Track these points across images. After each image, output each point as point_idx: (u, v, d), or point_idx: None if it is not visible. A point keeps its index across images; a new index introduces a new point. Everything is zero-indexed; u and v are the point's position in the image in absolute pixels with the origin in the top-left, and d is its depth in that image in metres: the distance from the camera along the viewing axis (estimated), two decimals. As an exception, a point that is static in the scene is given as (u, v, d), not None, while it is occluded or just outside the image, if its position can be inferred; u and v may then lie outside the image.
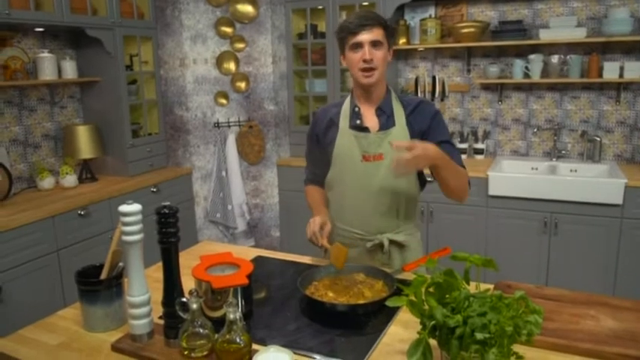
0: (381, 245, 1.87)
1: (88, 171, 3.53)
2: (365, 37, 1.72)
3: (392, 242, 1.87)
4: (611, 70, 3.40)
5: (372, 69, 1.74)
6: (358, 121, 1.83)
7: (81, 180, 3.47)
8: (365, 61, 1.72)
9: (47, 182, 3.29)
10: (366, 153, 1.81)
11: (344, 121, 1.86)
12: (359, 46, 1.73)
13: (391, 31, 1.80)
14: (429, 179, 1.93)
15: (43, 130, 3.46)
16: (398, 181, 1.82)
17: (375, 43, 1.73)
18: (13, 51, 3.19)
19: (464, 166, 1.85)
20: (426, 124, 1.82)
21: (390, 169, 1.59)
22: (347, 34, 1.75)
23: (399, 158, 1.54)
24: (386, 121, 1.82)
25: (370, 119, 1.83)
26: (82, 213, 3.07)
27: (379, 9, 3.68)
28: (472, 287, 1.18)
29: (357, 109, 1.85)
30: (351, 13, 1.81)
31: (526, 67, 3.63)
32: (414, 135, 1.81)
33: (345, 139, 1.84)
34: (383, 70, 1.77)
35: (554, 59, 3.57)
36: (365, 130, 1.82)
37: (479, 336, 1.01)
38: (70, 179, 3.34)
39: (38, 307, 2.60)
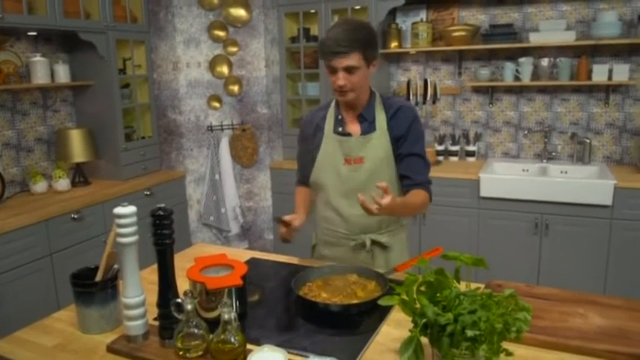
0: (363, 245, 1.92)
1: (81, 175, 3.53)
2: (339, 64, 1.73)
3: (374, 242, 1.93)
4: (600, 73, 3.44)
5: (346, 92, 1.78)
6: (341, 128, 1.90)
7: (74, 184, 3.47)
8: (339, 86, 1.76)
9: (40, 186, 3.28)
10: (348, 156, 1.88)
11: (329, 126, 1.93)
12: (334, 70, 1.75)
13: (372, 48, 1.78)
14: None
15: (35, 133, 3.46)
16: (379, 183, 1.86)
17: (349, 69, 1.73)
18: (6, 55, 3.19)
19: (428, 187, 1.89)
20: (403, 129, 1.87)
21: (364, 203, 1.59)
22: (321, 56, 1.78)
23: (368, 207, 1.56)
24: (367, 127, 1.88)
25: (352, 125, 1.90)
26: (76, 217, 3.07)
27: (371, 13, 3.71)
28: (462, 286, 1.20)
29: (340, 117, 1.91)
30: (333, 28, 1.77)
31: (516, 70, 3.67)
32: (392, 140, 1.87)
33: (329, 143, 1.91)
34: (361, 89, 1.81)
35: (544, 62, 3.61)
36: (347, 135, 1.89)
37: (469, 333, 1.03)
38: (63, 183, 3.34)
39: (32, 310, 2.59)
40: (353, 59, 1.72)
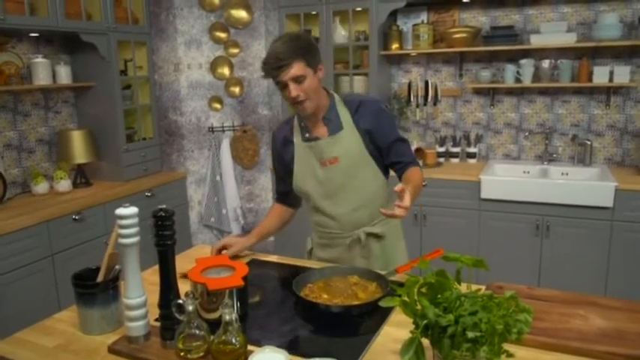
0: (358, 240, 1.94)
1: (82, 176, 3.53)
2: (284, 77, 1.74)
3: (369, 235, 1.95)
4: (601, 75, 3.44)
5: (302, 101, 1.79)
6: (307, 134, 1.93)
7: (75, 185, 3.48)
8: (293, 98, 1.77)
9: (41, 187, 3.29)
10: (322, 159, 1.89)
11: (297, 137, 1.96)
12: (283, 85, 1.77)
13: (312, 54, 1.79)
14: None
15: (37, 135, 3.47)
16: (359, 178, 1.91)
17: (296, 79, 1.75)
18: (8, 56, 3.20)
19: (417, 162, 1.94)
20: (370, 122, 1.88)
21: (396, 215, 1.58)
22: (267, 75, 1.79)
23: (394, 214, 1.56)
24: (334, 127, 1.90)
25: (319, 129, 1.92)
26: (77, 218, 3.08)
27: (372, 14, 3.72)
28: (463, 288, 1.20)
29: (303, 124, 1.94)
30: (270, 47, 1.80)
31: (517, 72, 3.67)
32: (362, 134, 1.88)
33: (301, 151, 1.95)
34: (315, 95, 1.82)
35: (545, 64, 3.61)
36: (316, 139, 1.91)
37: (470, 334, 1.03)
38: (64, 184, 3.34)
39: (33, 311, 2.59)
40: (297, 68, 1.74)
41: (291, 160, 1.98)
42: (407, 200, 1.55)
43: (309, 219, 2.07)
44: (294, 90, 1.76)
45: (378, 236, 1.96)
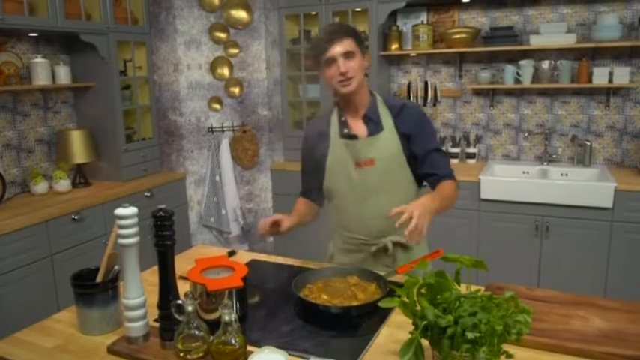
0: (385, 248, 1.88)
1: (81, 176, 3.53)
2: (336, 50, 1.74)
3: (395, 244, 1.88)
4: (600, 76, 3.45)
5: (349, 78, 1.77)
6: (346, 130, 1.87)
7: (74, 185, 3.47)
8: (341, 73, 1.75)
9: (41, 187, 3.29)
10: (358, 160, 1.84)
11: (334, 132, 1.90)
12: (333, 60, 1.76)
13: (361, 39, 1.82)
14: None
15: (36, 135, 3.46)
16: (393, 183, 1.85)
17: (347, 55, 1.75)
18: (7, 56, 3.20)
19: (453, 176, 1.87)
20: (411, 127, 1.84)
21: (409, 240, 1.58)
22: (319, 51, 1.77)
23: (410, 231, 1.54)
24: (374, 127, 1.85)
25: (358, 127, 1.87)
26: (76, 218, 3.07)
27: (372, 15, 3.72)
28: (463, 288, 1.20)
29: (343, 119, 1.89)
30: (320, 31, 1.82)
31: (517, 73, 3.67)
32: (401, 138, 1.84)
33: (337, 149, 1.88)
34: (360, 77, 1.80)
35: (545, 65, 3.61)
36: (354, 137, 1.86)
37: (469, 335, 1.03)
38: (63, 184, 3.34)
39: (32, 311, 2.59)
40: (349, 44, 1.75)
41: (324, 157, 1.91)
42: (412, 224, 1.51)
43: (325, 226, 2.00)
44: (343, 65, 1.74)
45: (404, 246, 1.89)
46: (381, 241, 1.88)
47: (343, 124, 1.89)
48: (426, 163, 1.85)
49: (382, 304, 1.21)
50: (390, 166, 1.84)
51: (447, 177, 1.84)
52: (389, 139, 1.84)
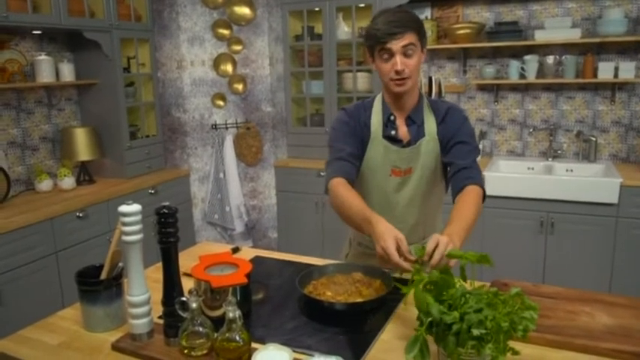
0: None
1: (85, 173, 3.53)
2: (395, 45, 1.58)
3: None
4: (605, 71, 3.42)
5: (404, 78, 1.63)
6: (393, 132, 1.73)
7: (79, 182, 3.48)
8: (397, 72, 1.61)
9: (45, 184, 3.29)
10: (396, 168, 1.74)
11: (376, 127, 1.75)
12: (390, 54, 1.60)
13: (424, 32, 1.65)
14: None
15: (40, 132, 3.47)
16: (425, 193, 1.76)
17: (407, 50, 1.59)
18: (11, 54, 3.20)
19: (475, 175, 1.67)
20: (453, 131, 1.72)
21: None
22: (374, 42, 1.62)
23: (432, 266, 1.34)
24: (416, 131, 1.73)
25: (400, 129, 1.75)
26: (81, 215, 3.08)
27: (375, 11, 3.70)
28: (467, 285, 1.20)
29: (392, 117, 1.75)
30: (380, 15, 1.62)
31: (522, 68, 3.65)
32: (441, 144, 1.73)
33: (377, 149, 1.74)
34: (416, 77, 1.67)
35: (550, 60, 3.59)
36: (398, 142, 1.73)
37: (475, 332, 1.03)
38: (67, 181, 3.35)
39: (37, 308, 2.60)
40: (411, 38, 1.58)
41: (363, 146, 1.74)
42: (435, 259, 1.34)
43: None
44: (400, 62, 1.58)
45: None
46: None
47: (391, 124, 1.74)
48: (451, 152, 1.71)
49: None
50: (425, 176, 1.75)
51: (468, 174, 1.66)
52: (429, 146, 1.73)
